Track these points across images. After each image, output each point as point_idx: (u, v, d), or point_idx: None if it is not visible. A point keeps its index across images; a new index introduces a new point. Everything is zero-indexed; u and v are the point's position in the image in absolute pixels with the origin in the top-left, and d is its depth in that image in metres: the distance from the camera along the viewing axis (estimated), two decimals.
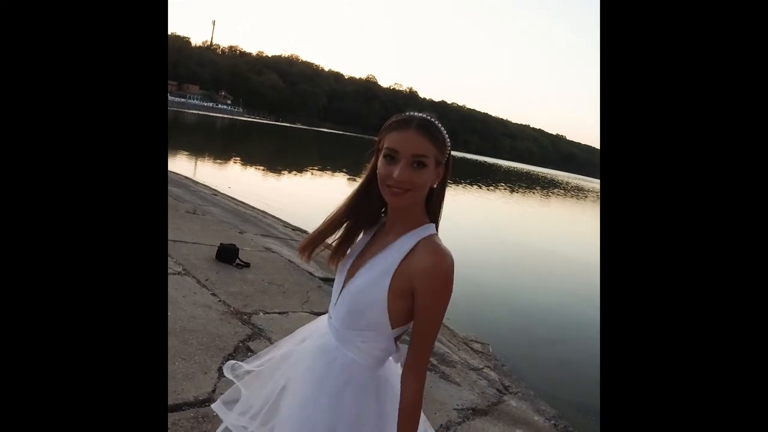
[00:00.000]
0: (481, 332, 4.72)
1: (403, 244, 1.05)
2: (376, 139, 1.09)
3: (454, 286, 1.01)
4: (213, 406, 1.31)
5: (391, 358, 1.14)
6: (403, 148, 1.00)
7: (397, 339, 1.10)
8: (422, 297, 1.01)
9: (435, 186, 1.08)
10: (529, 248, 11.29)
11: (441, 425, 2.64)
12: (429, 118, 1.05)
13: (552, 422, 3.14)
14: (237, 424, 1.22)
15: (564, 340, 5.63)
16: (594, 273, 8.43)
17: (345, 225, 1.17)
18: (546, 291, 7.82)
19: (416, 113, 1.05)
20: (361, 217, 1.16)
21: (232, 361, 1.34)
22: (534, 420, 3.11)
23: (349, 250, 1.18)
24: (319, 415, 1.07)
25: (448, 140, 1.07)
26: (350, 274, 1.13)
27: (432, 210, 1.10)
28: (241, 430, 1.21)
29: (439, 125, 1.06)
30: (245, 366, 1.30)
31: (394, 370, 1.14)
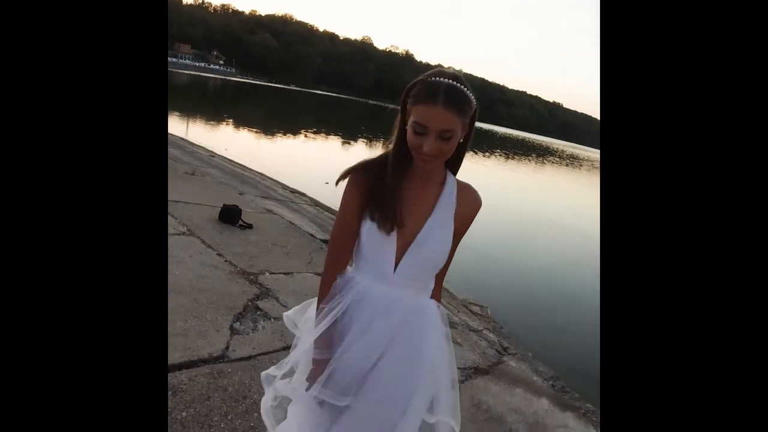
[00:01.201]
0: (479, 296, 4.80)
1: (451, 192, 1.18)
2: (402, 99, 1.10)
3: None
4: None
5: None
6: (431, 124, 1.02)
7: None
8: (462, 230, 1.20)
9: (461, 140, 1.11)
10: (524, 214, 11.37)
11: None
12: (456, 85, 1.03)
13: (550, 383, 3.24)
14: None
15: (560, 305, 5.75)
16: (590, 240, 8.53)
17: (398, 188, 1.13)
18: (542, 257, 7.93)
19: (443, 79, 1.03)
20: (403, 178, 1.15)
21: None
22: (533, 380, 3.20)
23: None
24: (425, 362, 1.18)
25: (474, 101, 1.07)
26: (410, 231, 1.13)
27: (457, 156, 1.18)
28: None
29: (467, 91, 1.05)
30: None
31: None
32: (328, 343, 1.17)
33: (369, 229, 1.13)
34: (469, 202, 1.20)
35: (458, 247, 1.23)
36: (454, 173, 1.22)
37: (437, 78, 1.04)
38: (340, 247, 1.19)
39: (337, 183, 1.17)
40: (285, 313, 1.35)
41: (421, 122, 1.03)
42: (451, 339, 1.25)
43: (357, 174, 1.15)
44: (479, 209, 1.22)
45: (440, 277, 1.27)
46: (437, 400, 1.20)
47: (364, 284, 1.17)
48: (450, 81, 1.03)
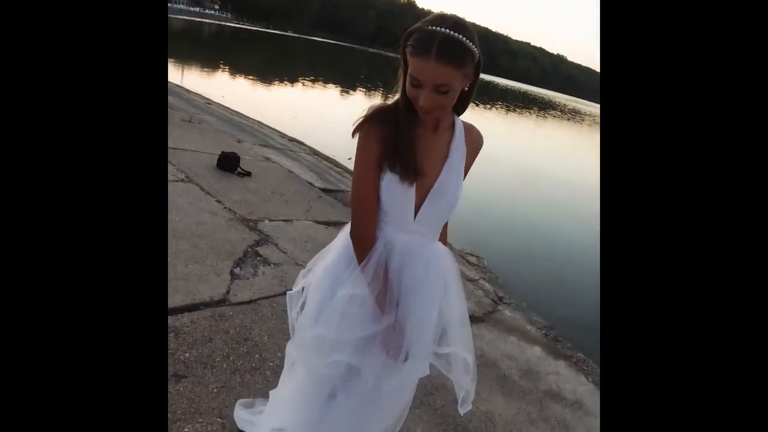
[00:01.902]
0: (476, 247, 4.84)
1: (460, 137, 1.18)
2: (401, 47, 1.05)
3: None
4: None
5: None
6: (425, 78, 0.99)
7: None
8: (466, 168, 1.21)
9: (466, 89, 1.09)
10: (524, 168, 11.34)
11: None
12: (453, 35, 0.97)
13: (543, 332, 3.32)
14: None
15: (556, 258, 5.82)
16: (588, 195, 8.53)
17: (414, 139, 1.11)
18: (540, 211, 7.96)
19: (440, 29, 0.97)
20: (414, 127, 1.12)
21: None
22: (527, 329, 3.28)
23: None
24: (438, 302, 1.21)
25: (476, 49, 1.01)
26: (428, 180, 1.13)
27: (461, 103, 1.17)
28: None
29: (465, 40, 0.98)
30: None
31: None
32: (384, 305, 1.14)
33: (389, 181, 1.10)
34: (473, 143, 1.21)
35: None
36: (459, 114, 1.21)
37: (434, 27, 0.97)
38: (367, 204, 1.13)
39: (353, 135, 1.12)
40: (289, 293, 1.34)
41: (415, 76, 1.00)
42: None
43: (372, 125, 1.10)
44: (480, 148, 1.25)
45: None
46: (451, 334, 1.24)
47: (387, 237, 1.15)
48: (446, 31, 0.96)
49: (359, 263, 1.15)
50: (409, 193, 1.10)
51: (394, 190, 1.10)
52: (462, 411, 1.27)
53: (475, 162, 1.26)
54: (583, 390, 2.72)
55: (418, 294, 1.17)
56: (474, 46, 1.00)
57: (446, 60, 0.97)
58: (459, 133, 1.18)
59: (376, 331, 1.15)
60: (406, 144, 1.09)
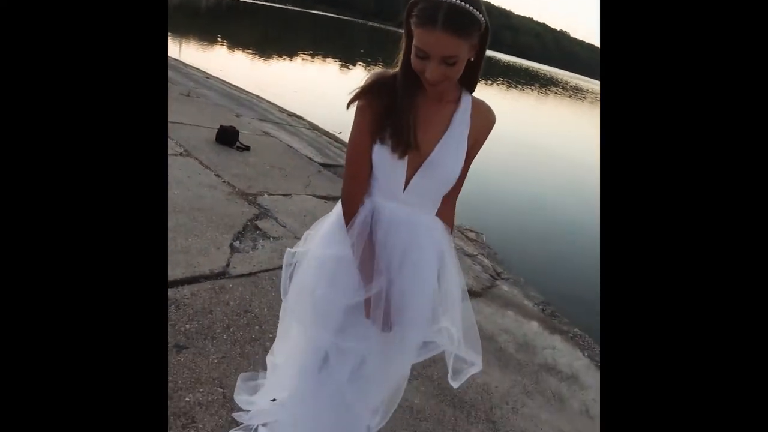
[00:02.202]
0: (475, 222, 4.85)
1: (465, 110, 1.13)
2: (405, 17, 1.02)
3: None
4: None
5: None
6: (432, 50, 0.97)
7: None
8: (476, 147, 1.17)
9: (472, 59, 1.06)
10: (524, 144, 11.28)
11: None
12: (459, 4, 0.94)
13: (540, 307, 3.36)
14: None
15: (554, 235, 5.84)
16: (589, 172, 8.49)
17: (411, 111, 1.09)
18: (540, 187, 7.95)
19: None
20: (416, 101, 1.10)
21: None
22: (524, 304, 3.31)
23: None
24: (433, 277, 1.20)
25: (483, 18, 0.99)
26: (422, 152, 1.10)
27: (470, 74, 1.12)
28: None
29: (471, 9, 0.95)
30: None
31: None
32: (370, 273, 1.14)
33: (380, 150, 1.10)
34: (482, 120, 1.15)
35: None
36: (471, 90, 1.16)
37: None
38: (357, 171, 1.14)
39: (348, 106, 1.12)
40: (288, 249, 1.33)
41: (421, 47, 0.97)
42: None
43: (369, 95, 1.10)
44: (493, 126, 1.18)
45: (451, 198, 1.25)
46: (453, 310, 1.22)
47: (375, 203, 1.16)
48: (452, 0, 0.94)
49: (346, 226, 1.16)
50: (400, 165, 1.10)
51: (385, 161, 1.10)
52: (454, 384, 1.27)
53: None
54: (578, 364, 2.76)
55: (406, 265, 1.16)
56: (481, 15, 0.98)
57: (453, 30, 0.95)
58: (465, 106, 1.14)
59: (361, 300, 1.15)
60: (400, 116, 1.07)
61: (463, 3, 0.95)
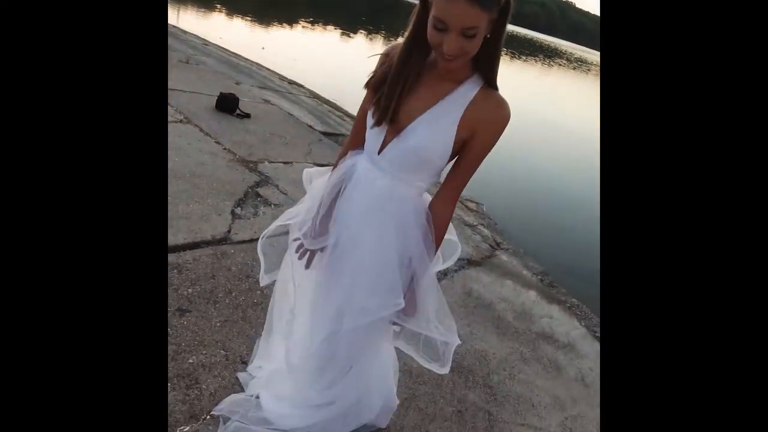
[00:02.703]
0: (475, 193, 4.85)
1: (466, 93, 1.07)
2: None
3: None
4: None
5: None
6: (452, 21, 0.93)
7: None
8: (479, 140, 1.09)
9: (488, 36, 1.00)
10: (525, 115, 11.18)
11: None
12: None
13: (539, 277, 3.38)
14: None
15: (554, 206, 5.85)
16: (590, 144, 8.42)
17: (400, 83, 1.08)
18: (541, 160, 7.93)
19: None
20: (411, 75, 1.09)
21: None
22: (523, 273, 3.34)
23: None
24: (391, 247, 1.18)
25: None
26: (402, 124, 1.10)
27: (489, 57, 1.05)
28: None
29: None
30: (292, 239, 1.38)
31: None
32: (326, 223, 1.27)
33: (370, 114, 1.15)
34: (486, 112, 1.07)
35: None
36: (490, 80, 1.08)
37: None
38: (355, 126, 1.26)
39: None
40: (306, 169, 1.45)
41: (441, 18, 0.93)
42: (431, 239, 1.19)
43: (382, 58, 1.15)
44: (502, 123, 1.08)
45: (448, 190, 1.17)
46: (419, 288, 1.20)
47: (356, 160, 1.23)
48: None
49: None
50: (380, 129, 1.14)
51: (370, 123, 1.15)
52: (443, 371, 1.34)
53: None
54: (575, 333, 2.80)
55: (348, 226, 1.21)
56: None
57: (475, 1, 0.91)
58: (464, 90, 1.07)
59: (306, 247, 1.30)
60: (389, 86, 1.09)
61: None
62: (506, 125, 1.08)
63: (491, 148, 1.11)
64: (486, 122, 1.07)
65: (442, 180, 1.20)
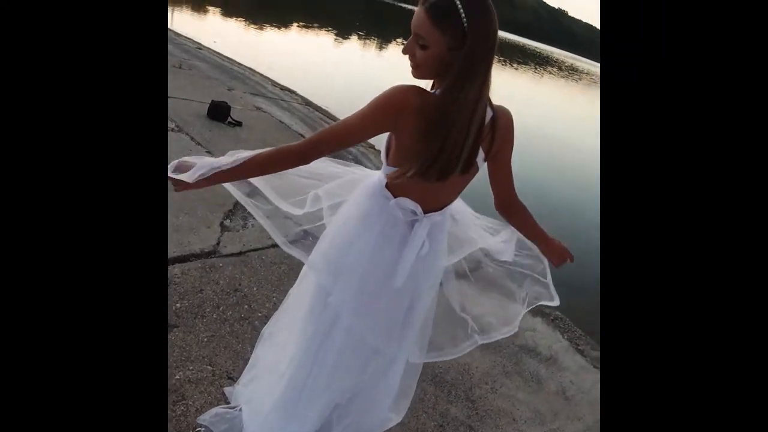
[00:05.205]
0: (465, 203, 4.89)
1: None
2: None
3: None
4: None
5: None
6: (413, 23, 1.03)
7: None
8: (506, 148, 1.30)
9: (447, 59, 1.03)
10: (518, 125, 11.25)
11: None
12: None
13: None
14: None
15: (542, 218, 5.88)
16: (581, 154, 8.44)
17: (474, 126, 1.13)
18: (531, 169, 7.98)
19: None
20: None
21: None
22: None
23: None
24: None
25: (464, 20, 0.98)
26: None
27: (445, 78, 1.04)
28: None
29: (459, 7, 0.97)
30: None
31: None
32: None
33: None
34: (497, 118, 1.24)
35: None
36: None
37: None
38: (341, 140, 1.13)
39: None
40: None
41: (412, 23, 1.04)
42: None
43: (390, 110, 1.08)
44: (511, 127, 1.30)
45: (511, 184, 1.39)
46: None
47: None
48: None
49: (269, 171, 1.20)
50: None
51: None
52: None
53: None
54: (558, 347, 2.85)
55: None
56: (464, 16, 0.98)
57: (429, 12, 1.00)
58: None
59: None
60: (460, 133, 1.05)
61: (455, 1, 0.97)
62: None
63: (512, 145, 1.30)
64: (505, 129, 1.24)
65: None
